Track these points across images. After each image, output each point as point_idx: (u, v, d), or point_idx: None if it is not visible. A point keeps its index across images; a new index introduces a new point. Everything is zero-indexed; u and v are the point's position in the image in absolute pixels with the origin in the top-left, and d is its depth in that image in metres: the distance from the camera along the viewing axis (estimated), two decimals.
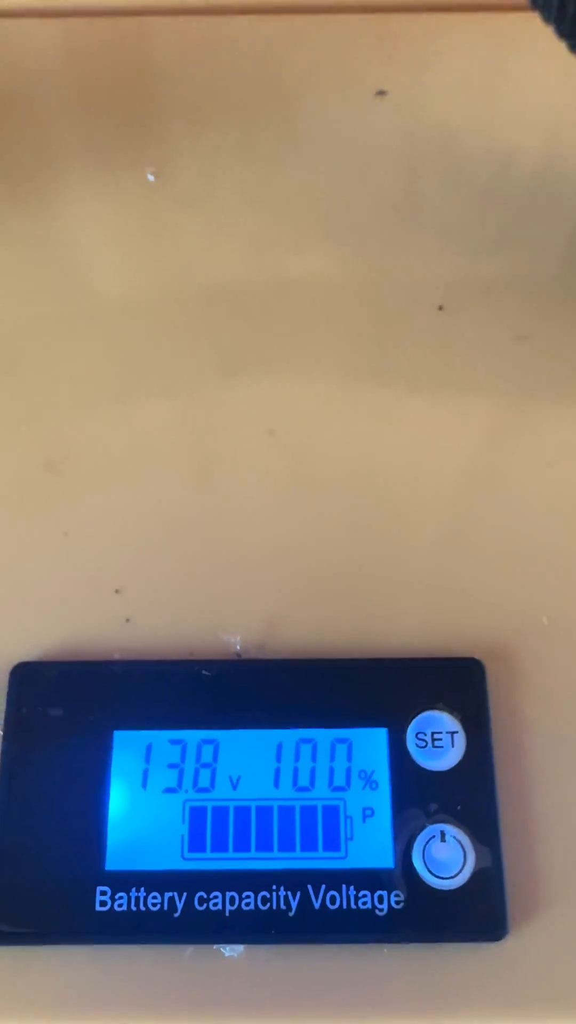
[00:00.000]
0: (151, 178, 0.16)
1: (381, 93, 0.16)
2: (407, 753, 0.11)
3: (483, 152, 0.16)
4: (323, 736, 0.11)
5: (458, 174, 0.16)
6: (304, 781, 0.11)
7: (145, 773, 0.11)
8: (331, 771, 0.11)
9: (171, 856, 0.11)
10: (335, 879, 0.11)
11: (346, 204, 0.16)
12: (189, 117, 0.17)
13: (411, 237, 0.15)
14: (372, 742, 0.11)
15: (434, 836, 0.11)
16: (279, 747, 0.11)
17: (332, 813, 0.11)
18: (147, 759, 0.11)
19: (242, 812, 0.11)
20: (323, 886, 0.11)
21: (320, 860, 0.11)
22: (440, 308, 0.15)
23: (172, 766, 0.11)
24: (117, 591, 0.13)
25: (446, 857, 0.11)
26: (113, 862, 0.11)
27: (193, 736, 0.11)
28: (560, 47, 0.11)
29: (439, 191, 0.16)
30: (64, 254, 0.16)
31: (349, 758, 0.11)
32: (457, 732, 0.12)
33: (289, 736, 0.11)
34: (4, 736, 0.12)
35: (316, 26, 0.18)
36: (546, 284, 0.15)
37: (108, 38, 0.18)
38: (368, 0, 0.17)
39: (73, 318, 0.15)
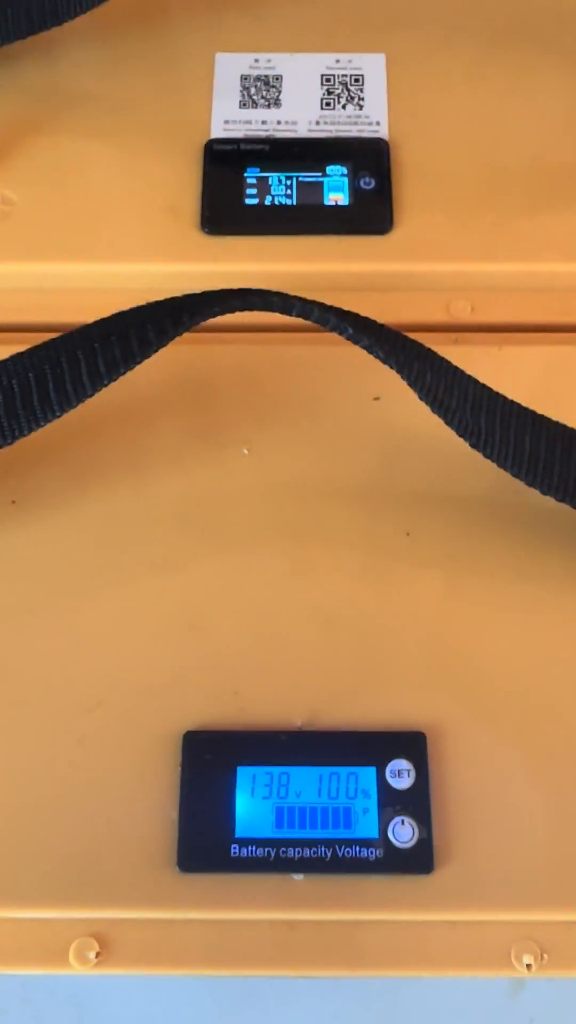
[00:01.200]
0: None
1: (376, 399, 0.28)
2: (386, 780, 0.22)
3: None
4: (344, 771, 0.22)
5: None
6: (334, 793, 0.22)
7: (253, 787, 0.22)
8: (348, 789, 0.22)
9: (267, 828, 0.22)
10: (349, 842, 0.22)
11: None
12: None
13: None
14: (368, 774, 0.22)
15: (399, 821, 0.22)
16: (320, 776, 0.23)
17: (348, 810, 0.22)
18: (253, 780, 0.23)
19: (303, 808, 0.22)
20: (343, 846, 0.22)
21: (342, 832, 0.22)
22: None
23: (267, 784, 0.22)
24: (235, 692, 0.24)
25: (404, 832, 0.22)
26: (240, 832, 0.22)
27: (277, 769, 0.23)
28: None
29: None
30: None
31: (357, 782, 0.22)
32: (411, 770, 0.22)
33: (326, 770, 0.23)
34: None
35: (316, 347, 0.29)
36: None
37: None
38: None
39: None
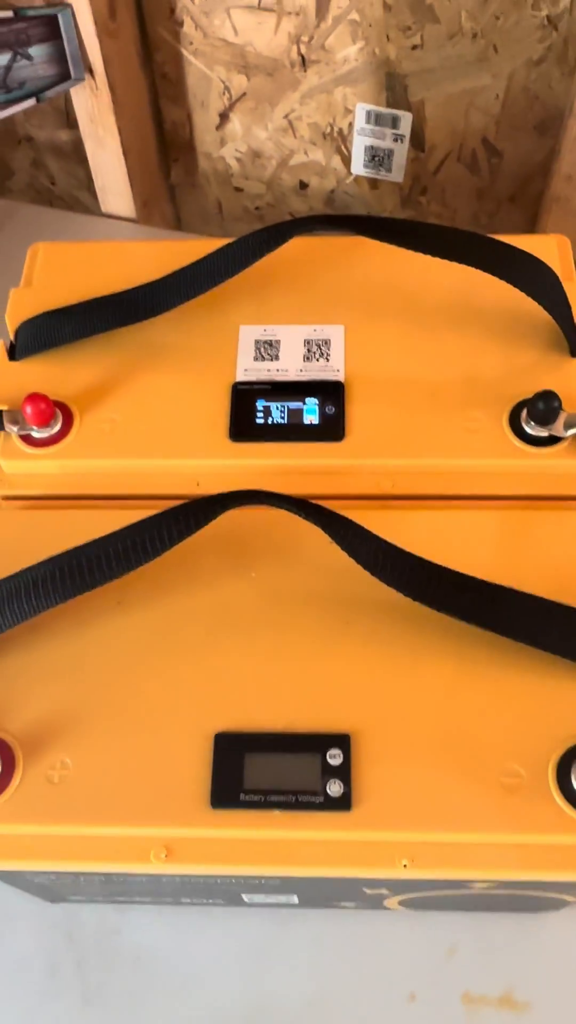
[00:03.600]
0: None
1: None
2: (326, 759, 0.39)
3: None
4: (304, 755, 0.40)
5: None
6: (297, 767, 0.40)
7: (253, 763, 0.40)
8: (305, 765, 0.40)
9: (261, 785, 0.40)
10: (304, 792, 0.39)
11: None
12: None
13: None
14: (316, 756, 0.40)
15: (332, 782, 0.39)
16: (291, 757, 0.40)
17: (304, 775, 0.40)
18: (253, 760, 0.40)
19: (280, 775, 0.40)
20: (302, 794, 0.39)
21: (301, 787, 0.39)
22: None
23: (261, 762, 0.40)
24: (244, 709, 0.42)
25: (335, 788, 0.39)
26: (246, 786, 0.40)
27: (267, 754, 0.40)
28: None
29: None
30: None
31: (310, 760, 0.40)
32: (340, 754, 0.39)
33: (295, 754, 0.40)
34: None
35: None
36: None
37: None
38: None
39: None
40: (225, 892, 0.51)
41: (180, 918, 0.57)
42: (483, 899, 0.51)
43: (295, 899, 0.53)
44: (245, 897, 0.53)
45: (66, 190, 0.99)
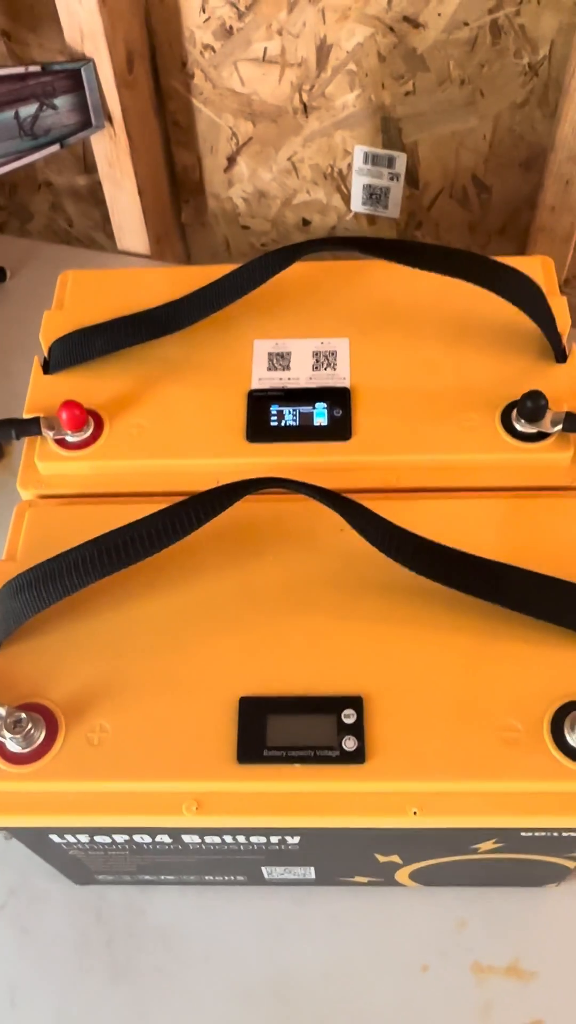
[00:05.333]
0: None
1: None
2: (341, 718, 0.43)
3: None
4: (321, 716, 0.44)
5: None
6: (316, 725, 0.44)
7: (276, 723, 0.44)
8: (322, 723, 0.44)
9: (282, 742, 0.44)
10: (322, 747, 0.43)
11: None
12: None
13: None
14: (332, 717, 0.44)
15: (347, 738, 0.43)
16: (310, 717, 0.44)
17: (321, 732, 0.43)
18: (276, 721, 0.44)
19: (299, 733, 0.44)
20: (319, 750, 0.43)
21: (318, 743, 0.43)
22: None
23: (283, 723, 0.44)
24: (267, 677, 0.46)
25: (350, 743, 0.43)
26: (268, 743, 0.43)
27: (288, 716, 0.44)
28: None
29: None
30: None
31: (327, 719, 0.44)
32: (354, 713, 0.43)
33: (313, 716, 0.44)
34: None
35: None
36: None
37: None
38: None
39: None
40: (246, 867, 0.55)
41: (203, 898, 0.60)
42: (489, 869, 0.55)
43: (312, 873, 0.56)
44: (265, 873, 0.56)
45: (83, 231, 1.05)
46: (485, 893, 0.59)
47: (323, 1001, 0.56)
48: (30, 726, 0.43)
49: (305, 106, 0.84)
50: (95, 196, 0.98)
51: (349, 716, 0.44)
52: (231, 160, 0.92)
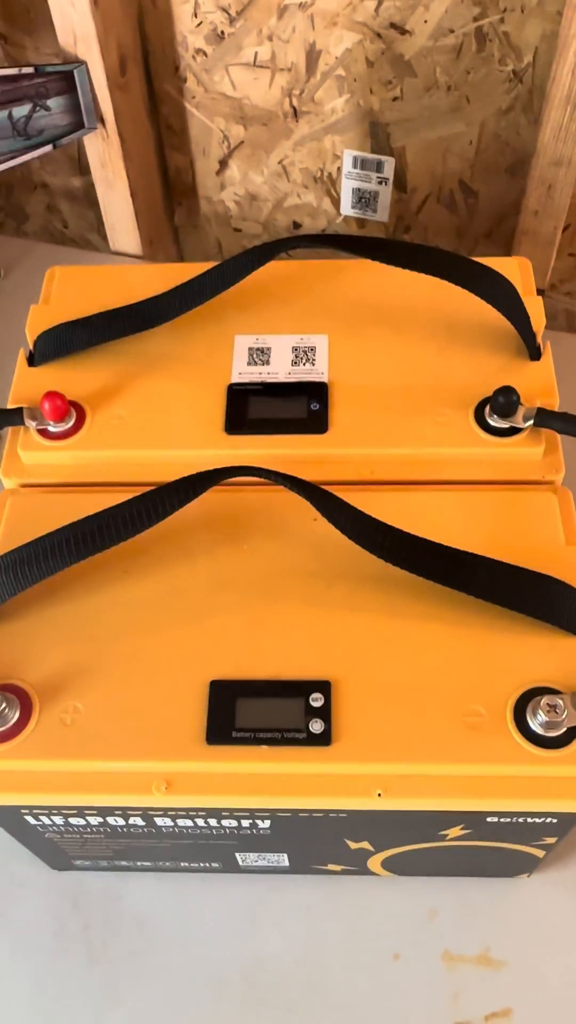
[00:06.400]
0: None
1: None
2: (309, 702, 0.44)
3: None
4: (289, 699, 0.45)
5: None
6: (284, 707, 0.45)
7: (245, 706, 0.45)
8: (290, 706, 0.45)
9: (251, 724, 0.44)
10: (289, 730, 0.44)
11: None
12: None
13: None
14: (300, 700, 0.45)
15: (314, 720, 0.44)
16: (278, 701, 0.45)
17: (289, 714, 0.44)
18: (245, 704, 0.45)
19: (268, 715, 0.45)
20: (287, 732, 0.44)
21: (286, 724, 0.44)
22: None
23: (252, 705, 0.45)
24: (236, 661, 0.47)
25: (317, 726, 0.44)
26: (237, 725, 0.44)
27: (257, 699, 0.45)
28: None
29: None
30: None
31: (294, 704, 0.45)
32: (321, 697, 0.44)
33: (281, 699, 0.45)
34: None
35: None
36: None
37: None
38: None
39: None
40: (220, 853, 0.55)
41: (179, 884, 0.61)
42: (459, 858, 0.55)
43: (285, 860, 0.57)
44: (239, 859, 0.57)
45: (77, 232, 1.06)
46: (456, 883, 0.60)
47: (294, 987, 0.57)
48: (4, 706, 0.44)
49: (295, 110, 0.86)
50: (90, 198, 0.99)
51: (317, 700, 0.45)
52: (223, 163, 0.93)
